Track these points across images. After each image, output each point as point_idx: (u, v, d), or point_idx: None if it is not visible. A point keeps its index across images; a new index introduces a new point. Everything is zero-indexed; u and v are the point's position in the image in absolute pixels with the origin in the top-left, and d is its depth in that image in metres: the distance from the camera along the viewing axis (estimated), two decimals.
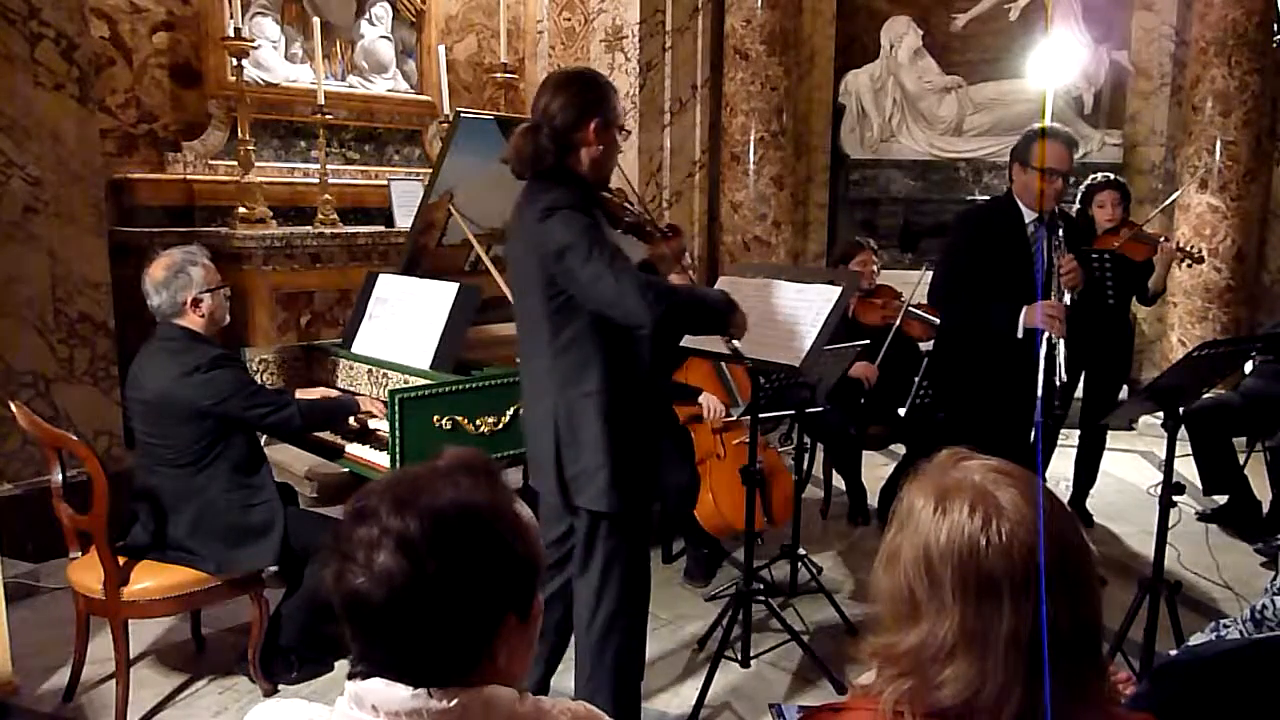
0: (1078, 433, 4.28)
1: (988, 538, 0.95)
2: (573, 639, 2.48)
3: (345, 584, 0.97)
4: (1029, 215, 3.17)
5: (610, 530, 2.31)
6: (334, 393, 3.18)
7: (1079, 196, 4.40)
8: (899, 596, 1.00)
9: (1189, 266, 4.71)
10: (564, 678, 2.55)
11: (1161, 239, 4.16)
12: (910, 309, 4.32)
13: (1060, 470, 4.36)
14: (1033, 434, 3.07)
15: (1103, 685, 1.01)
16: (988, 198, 6.21)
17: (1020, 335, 3.04)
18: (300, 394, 3.14)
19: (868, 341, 3.96)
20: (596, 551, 2.31)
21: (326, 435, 3.10)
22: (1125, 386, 5.93)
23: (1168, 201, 5.42)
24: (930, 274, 3.53)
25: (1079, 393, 4.10)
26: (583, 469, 2.25)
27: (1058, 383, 3.02)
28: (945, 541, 0.97)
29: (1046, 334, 3.01)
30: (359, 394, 3.19)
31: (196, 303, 2.68)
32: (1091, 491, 4.31)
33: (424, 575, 0.96)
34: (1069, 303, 3.06)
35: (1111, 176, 4.34)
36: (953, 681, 0.95)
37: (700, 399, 3.60)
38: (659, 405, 3.66)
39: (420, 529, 0.97)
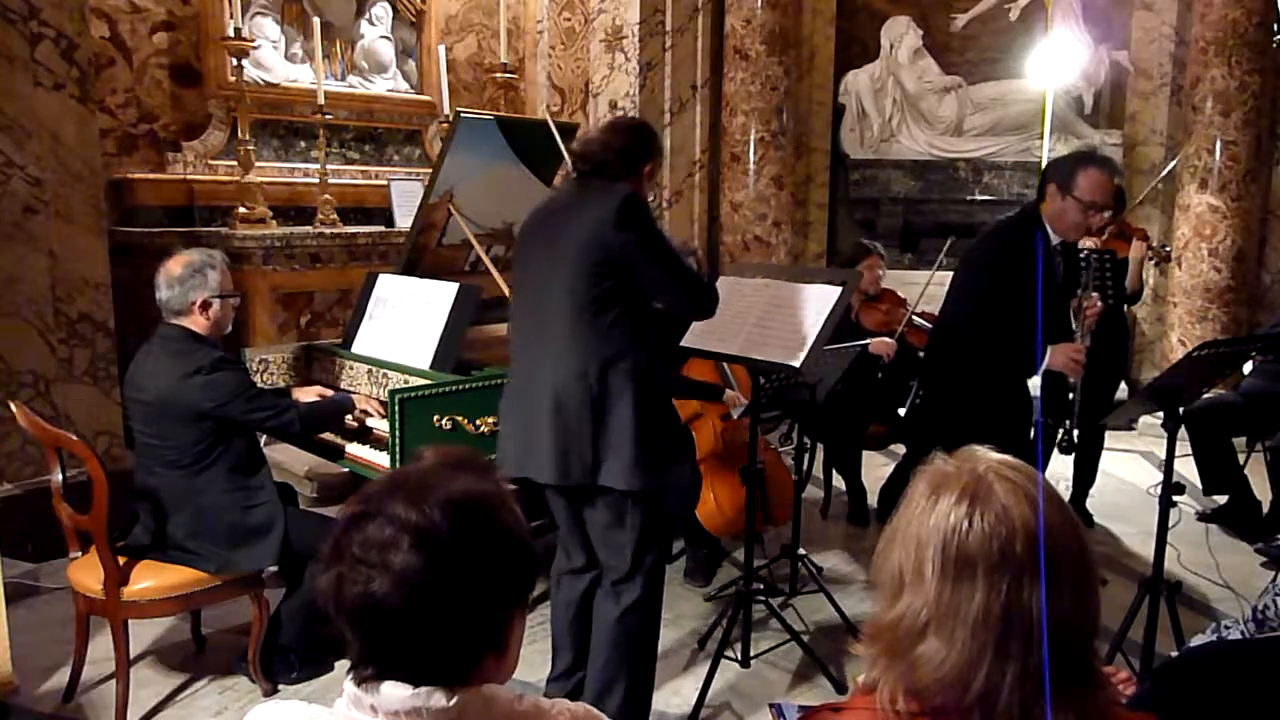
0: (1075, 432, 4.28)
1: (970, 521, 0.98)
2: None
3: (354, 590, 0.95)
4: (1053, 239, 2.99)
5: (645, 510, 2.39)
6: (329, 393, 3.18)
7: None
8: (890, 575, 1.03)
9: (1158, 265, 4.75)
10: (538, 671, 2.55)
11: (1137, 237, 4.17)
12: (914, 317, 4.32)
13: (1060, 470, 4.36)
14: (1032, 434, 3.05)
15: (1094, 681, 1.01)
16: (992, 197, 6.27)
17: (1039, 376, 2.88)
18: (297, 393, 3.14)
19: (868, 341, 3.96)
20: (628, 534, 2.38)
21: (327, 436, 3.10)
22: (1123, 386, 5.96)
23: (1154, 183, 5.42)
24: (930, 273, 3.50)
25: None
26: (612, 447, 2.30)
27: (1066, 425, 2.96)
28: (932, 523, 1.00)
29: (1066, 379, 2.93)
30: (355, 392, 3.18)
31: (206, 305, 2.67)
32: (1091, 491, 4.31)
33: (445, 569, 0.95)
34: (1088, 345, 2.95)
35: None
36: (925, 661, 0.97)
37: (725, 396, 3.60)
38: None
39: (442, 519, 0.96)
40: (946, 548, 0.98)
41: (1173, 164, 5.68)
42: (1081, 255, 3.13)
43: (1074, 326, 2.99)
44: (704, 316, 2.57)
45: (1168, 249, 4.75)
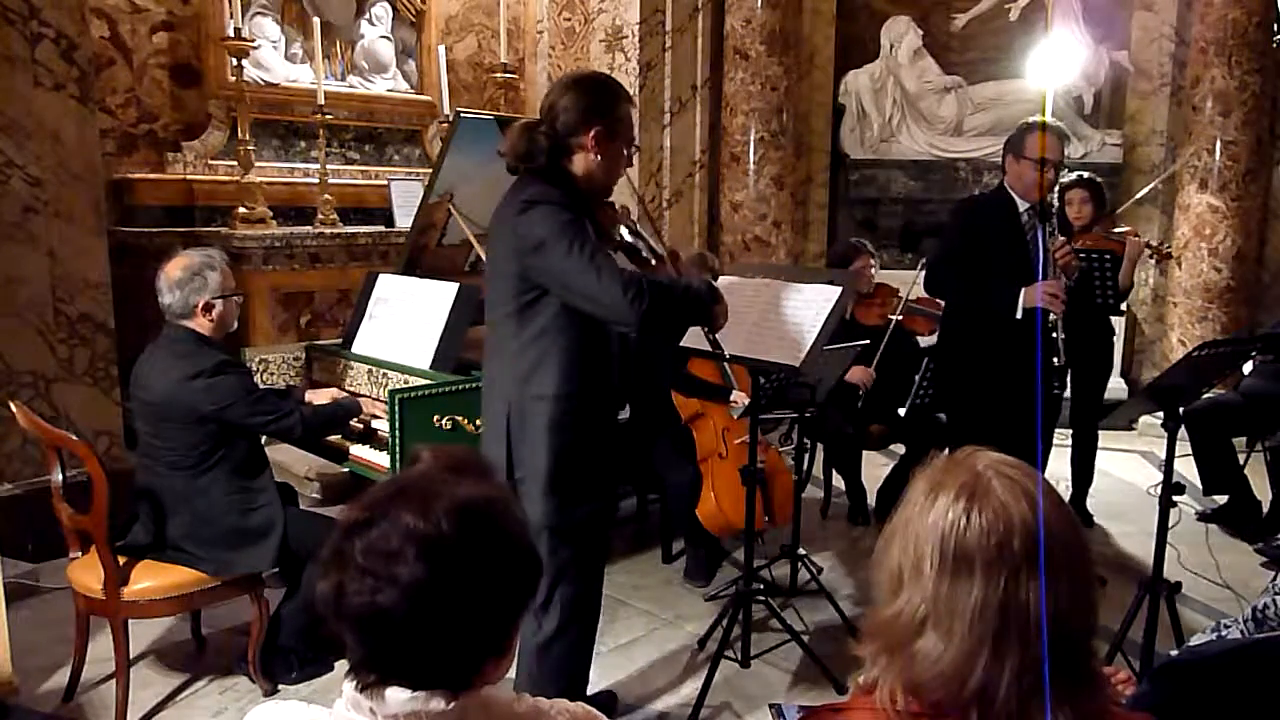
0: (1070, 432, 4.30)
1: (969, 518, 0.99)
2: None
3: (359, 600, 0.94)
4: (1022, 205, 3.33)
5: (556, 543, 2.23)
6: (343, 394, 3.17)
7: (1055, 195, 4.40)
8: (889, 573, 1.04)
9: (1158, 263, 4.77)
10: None
11: (1130, 235, 4.18)
12: (909, 304, 4.32)
13: (1059, 470, 4.36)
14: (1034, 429, 3.11)
15: (1091, 679, 1.02)
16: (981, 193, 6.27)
17: (1020, 316, 3.15)
18: (311, 395, 3.13)
19: (867, 341, 3.96)
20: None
21: (331, 438, 3.09)
22: (1123, 386, 5.97)
23: (1140, 194, 5.43)
24: (924, 272, 3.60)
25: (1066, 392, 4.13)
26: (527, 473, 2.20)
27: (1056, 362, 3.11)
28: (930, 520, 1.01)
29: (1048, 315, 3.13)
30: (361, 395, 3.18)
31: (209, 307, 2.67)
32: (1091, 491, 4.31)
33: (452, 578, 0.94)
34: (1066, 286, 3.19)
35: (1084, 175, 4.34)
36: (923, 656, 0.98)
37: (733, 396, 3.60)
38: (644, 411, 3.67)
39: (450, 528, 0.94)
40: (944, 543, 0.99)
41: (1171, 169, 5.65)
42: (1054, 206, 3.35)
43: (1052, 272, 3.25)
44: (626, 320, 2.06)
45: (1168, 247, 4.76)
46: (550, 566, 2.22)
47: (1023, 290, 3.16)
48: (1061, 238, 3.30)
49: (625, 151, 2.24)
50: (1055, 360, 3.12)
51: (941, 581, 0.98)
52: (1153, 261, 4.63)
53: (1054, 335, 3.13)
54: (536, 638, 2.30)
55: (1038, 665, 0.95)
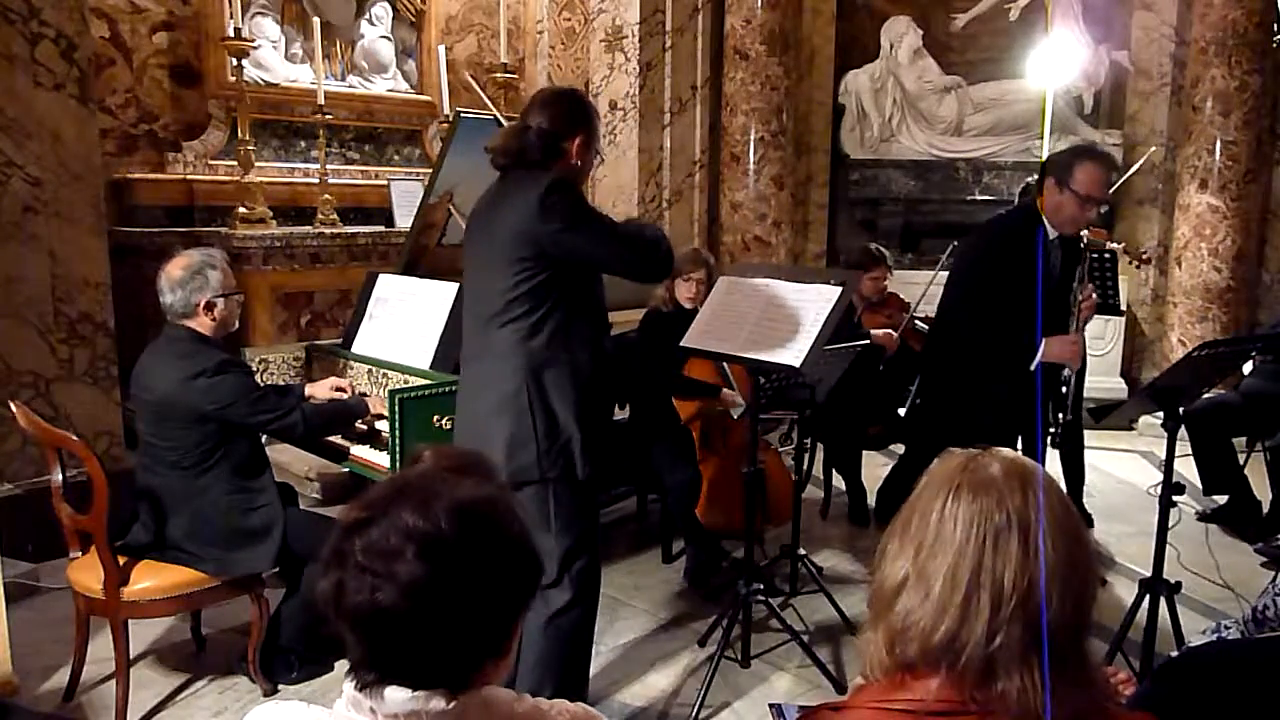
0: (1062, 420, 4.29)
1: (960, 487, 1.03)
2: None
3: (359, 598, 0.94)
4: (1052, 233, 3.05)
5: (570, 515, 2.33)
6: (344, 383, 3.18)
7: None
8: (888, 554, 1.08)
9: (1137, 266, 4.78)
10: None
11: (1106, 241, 4.18)
12: (916, 321, 4.32)
13: (1056, 472, 4.36)
14: (1036, 432, 3.06)
15: (1083, 676, 1.02)
16: (993, 197, 6.27)
17: (1032, 368, 2.92)
18: (311, 388, 3.13)
19: (868, 341, 3.96)
20: (553, 537, 2.30)
21: (332, 438, 3.09)
22: (1122, 385, 5.96)
23: (1119, 181, 5.42)
24: (932, 274, 3.51)
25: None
26: (557, 440, 2.29)
27: (1060, 419, 2.98)
28: (925, 498, 1.05)
29: (1061, 369, 2.95)
30: (367, 395, 3.17)
31: (210, 306, 2.67)
32: (1091, 491, 4.31)
33: (451, 577, 0.94)
34: (1082, 336, 3.02)
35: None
36: (901, 612, 1.02)
37: (723, 394, 3.60)
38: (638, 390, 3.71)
39: (449, 527, 0.95)
40: (934, 511, 1.03)
41: (1137, 165, 5.64)
42: (1082, 244, 3.12)
43: (1071, 316, 3.03)
44: (660, 274, 2.48)
45: (1144, 251, 4.78)
46: (561, 540, 2.31)
47: (1043, 343, 2.90)
48: (1091, 285, 3.05)
49: (592, 162, 2.42)
50: (1061, 416, 2.96)
51: (924, 546, 1.02)
52: (1134, 266, 4.64)
53: (1064, 390, 2.96)
54: (544, 613, 2.33)
55: (1010, 632, 0.97)
